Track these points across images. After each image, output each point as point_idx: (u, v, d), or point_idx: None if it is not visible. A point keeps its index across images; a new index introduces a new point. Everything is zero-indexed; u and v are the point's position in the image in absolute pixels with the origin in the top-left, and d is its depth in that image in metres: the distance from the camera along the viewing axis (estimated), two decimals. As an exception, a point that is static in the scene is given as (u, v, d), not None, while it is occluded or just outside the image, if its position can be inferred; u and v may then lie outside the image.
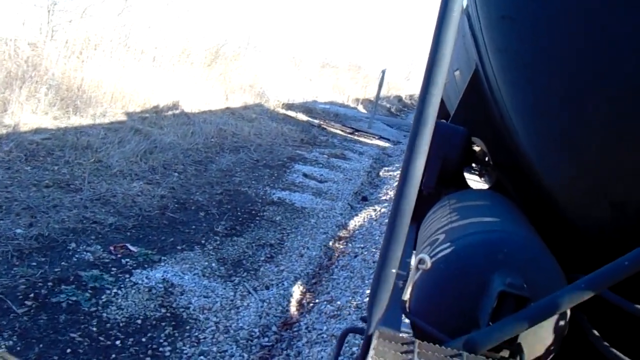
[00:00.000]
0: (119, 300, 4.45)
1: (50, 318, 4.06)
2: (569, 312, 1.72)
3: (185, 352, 3.99)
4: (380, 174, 11.50)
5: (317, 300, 5.02)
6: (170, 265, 5.20)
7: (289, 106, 17.97)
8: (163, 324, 4.29)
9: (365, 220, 7.65)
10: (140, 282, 4.80)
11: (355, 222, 7.56)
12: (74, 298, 4.36)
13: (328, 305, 4.81)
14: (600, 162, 1.79)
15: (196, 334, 4.23)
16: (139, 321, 4.25)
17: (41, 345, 3.74)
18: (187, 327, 4.30)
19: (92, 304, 4.33)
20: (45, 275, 4.55)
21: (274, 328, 4.47)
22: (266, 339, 4.32)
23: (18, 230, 5.19)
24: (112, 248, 5.34)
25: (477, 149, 3.82)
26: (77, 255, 5.03)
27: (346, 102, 26.38)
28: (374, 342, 1.45)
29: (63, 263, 4.84)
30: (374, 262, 5.75)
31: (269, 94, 18.31)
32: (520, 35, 2.05)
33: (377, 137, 16.63)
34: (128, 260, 5.17)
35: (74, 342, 3.86)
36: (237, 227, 6.54)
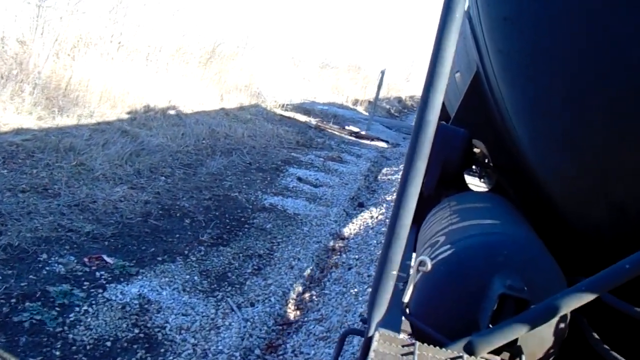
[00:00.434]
0: (89, 319, 4.08)
1: (10, 340, 3.68)
2: (569, 315, 1.70)
3: (156, 380, 3.62)
4: (378, 178, 11.12)
5: (305, 319, 4.64)
6: (148, 279, 4.82)
7: (286, 107, 17.58)
8: (135, 346, 3.91)
9: (361, 228, 7.27)
10: (113, 297, 4.43)
11: (350, 230, 7.18)
12: (39, 317, 3.98)
13: (317, 326, 4.43)
14: (600, 164, 1.80)
15: (171, 358, 3.85)
16: (109, 343, 3.87)
17: (-6, 374, 3.37)
18: (162, 350, 3.92)
19: (57, 324, 3.95)
20: (9, 291, 4.18)
21: (257, 351, 4.09)
22: (248, 364, 3.95)
23: (-16, 240, 4.82)
24: (86, 259, 4.96)
25: (477, 151, 3.80)
26: (47, 268, 4.66)
27: (345, 103, 26.00)
28: (374, 343, 1.45)
29: (31, 276, 4.46)
30: (369, 275, 5.37)
31: (266, 95, 17.91)
32: (522, 37, 2.04)
33: (375, 139, 16.25)
34: (103, 272, 4.79)
35: (32, 370, 3.48)
36: (224, 235, 6.16)
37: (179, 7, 14.15)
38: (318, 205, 8.06)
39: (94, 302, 4.31)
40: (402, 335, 1.59)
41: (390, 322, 1.66)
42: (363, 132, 16.63)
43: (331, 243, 6.56)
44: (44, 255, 4.82)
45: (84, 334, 3.91)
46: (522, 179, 2.71)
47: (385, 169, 12.16)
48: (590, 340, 1.76)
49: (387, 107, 29.25)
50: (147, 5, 13.51)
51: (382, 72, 19.41)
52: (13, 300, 4.07)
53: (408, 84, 45.53)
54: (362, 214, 8.03)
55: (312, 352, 4.03)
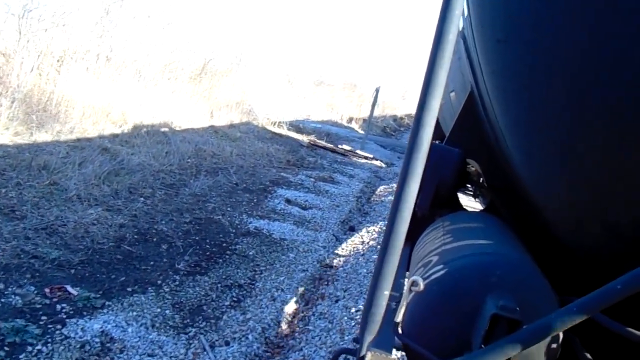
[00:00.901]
0: (41, 361, 3.64)
1: (-55, 388, 3.24)
2: (561, 335, 1.71)
3: None
4: (371, 199, 10.72)
5: (285, 360, 4.21)
6: (114, 313, 4.39)
7: (279, 125, 17.21)
8: (90, 394, 3.47)
9: (351, 254, 6.85)
10: (72, 335, 3.99)
11: (339, 258, 6.76)
12: (-17, 359, 3.55)
13: (298, 369, 4.00)
14: (594, 184, 1.82)
15: (130, 408, 3.41)
16: (61, 391, 3.44)
17: None
18: (121, 399, 3.48)
19: (4, 367, 3.52)
20: (-47, 328, 3.74)
21: (228, 400, 3.65)
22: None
23: None
24: (47, 290, 4.53)
25: (471, 170, 3.78)
26: (2, 300, 4.22)
27: (339, 121, 25.67)
28: None
29: (-18, 310, 4.03)
30: (357, 310, 4.94)
31: (257, 112, 17.55)
32: (515, 58, 2.05)
33: (369, 159, 15.87)
34: (64, 305, 4.36)
35: None
36: (202, 263, 5.73)
37: (169, 21, 13.81)
38: (306, 229, 7.63)
39: (49, 340, 3.88)
40: (394, 355, 1.59)
41: (382, 342, 1.63)
42: (357, 151, 16.25)
43: (318, 271, 6.14)
44: (1, 286, 4.39)
45: (33, 379, 3.47)
46: (516, 199, 2.69)
47: (378, 189, 11.77)
48: None
49: (383, 125, 28.93)
50: (137, 18, 13.17)
51: (377, 90, 19.09)
52: (-44, 339, 3.64)
53: (404, 102, 45.36)
54: (353, 238, 7.62)
55: (290, 402, 3.60)
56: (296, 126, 18.11)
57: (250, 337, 4.42)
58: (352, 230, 8.12)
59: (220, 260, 5.91)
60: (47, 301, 4.37)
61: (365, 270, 6.06)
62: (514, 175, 2.51)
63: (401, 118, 36.15)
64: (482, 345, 1.64)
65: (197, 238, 6.39)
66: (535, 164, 2.20)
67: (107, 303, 4.52)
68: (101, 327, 4.13)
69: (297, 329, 4.75)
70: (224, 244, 6.39)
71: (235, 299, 5.09)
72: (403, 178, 1.49)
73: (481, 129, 2.98)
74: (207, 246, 6.21)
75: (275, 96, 21.13)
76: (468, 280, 1.78)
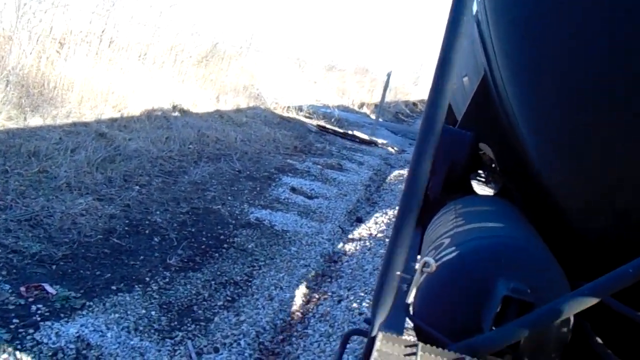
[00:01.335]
0: (6, 371, 3.27)
1: None
2: (572, 319, 1.69)
3: None
4: (380, 188, 10.28)
5: (280, 370, 3.81)
6: (94, 315, 4.01)
7: (288, 110, 16.76)
8: (58, 410, 3.10)
9: (357, 248, 6.43)
10: (45, 340, 3.62)
11: (344, 252, 6.34)
12: (-59, 369, 3.18)
13: (292, 381, 3.61)
14: (606, 171, 1.80)
15: None
16: (25, 406, 3.07)
17: None
18: (92, 416, 3.11)
19: (-37, 379, 3.15)
20: None
21: (213, 418, 3.27)
22: None
23: None
24: (23, 289, 4.16)
25: (483, 154, 3.73)
26: (-28, 300, 3.86)
27: (351, 106, 25.16)
28: (377, 344, 1.44)
29: (-52, 312, 3.67)
30: (360, 313, 4.53)
31: (266, 97, 17.09)
32: (530, 41, 2.02)
33: (379, 145, 15.39)
34: (40, 306, 3.99)
35: None
36: (196, 257, 5.33)
37: (174, 2, 13.34)
38: (311, 220, 7.21)
39: (19, 346, 3.51)
40: (405, 336, 1.57)
41: (394, 323, 1.64)
42: (366, 137, 15.76)
43: (321, 267, 5.73)
44: (-28, 284, 4.03)
45: (-5, 393, 3.10)
46: (528, 184, 2.67)
47: (388, 177, 11.32)
48: (592, 344, 1.82)
49: (394, 111, 28.37)
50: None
51: (388, 75, 18.57)
52: None
53: (416, 88, 44.62)
54: (360, 230, 7.20)
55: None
56: (305, 111, 17.64)
57: (242, 342, 4.02)
58: (360, 221, 7.70)
59: (216, 254, 5.51)
60: (22, 301, 4.00)
61: (371, 267, 5.64)
62: (526, 159, 2.50)
63: (414, 104, 35.52)
64: (493, 327, 1.63)
65: (193, 230, 6.00)
66: (548, 148, 2.18)
67: (87, 303, 4.15)
68: (78, 332, 3.76)
69: (295, 333, 4.35)
70: (222, 237, 5.99)
71: (229, 299, 4.70)
72: (415, 160, 1.50)
73: (494, 112, 2.94)
74: (203, 239, 5.82)
75: (284, 81, 20.66)
76: (479, 262, 1.77)
